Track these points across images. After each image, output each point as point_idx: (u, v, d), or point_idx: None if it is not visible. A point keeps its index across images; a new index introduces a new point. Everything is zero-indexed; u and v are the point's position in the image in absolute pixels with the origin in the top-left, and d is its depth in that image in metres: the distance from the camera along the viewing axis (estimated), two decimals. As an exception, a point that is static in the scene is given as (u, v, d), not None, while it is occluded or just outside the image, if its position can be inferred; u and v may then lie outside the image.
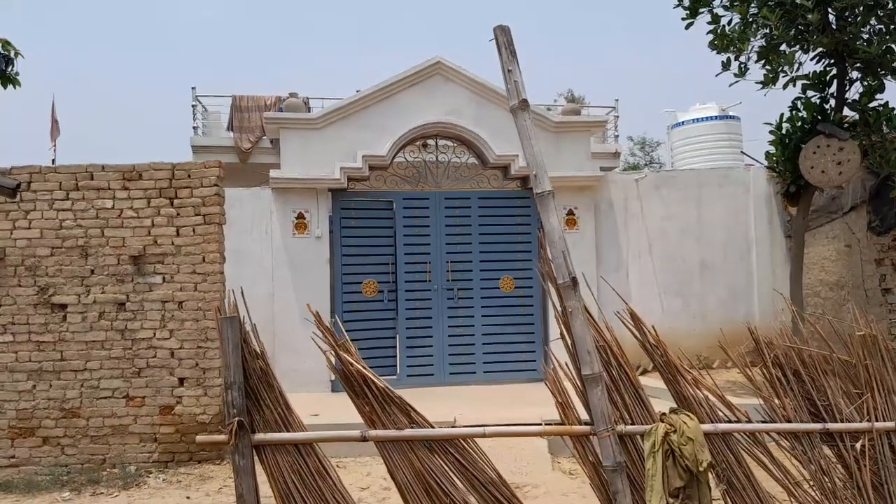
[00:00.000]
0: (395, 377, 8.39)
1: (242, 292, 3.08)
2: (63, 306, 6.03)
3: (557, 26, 51.01)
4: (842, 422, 3.26)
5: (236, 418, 2.90)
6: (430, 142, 9.04)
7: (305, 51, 52.48)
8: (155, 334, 6.05)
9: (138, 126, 43.01)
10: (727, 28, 7.38)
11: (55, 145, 13.98)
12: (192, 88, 13.93)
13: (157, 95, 46.27)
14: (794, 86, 7.43)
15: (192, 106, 13.99)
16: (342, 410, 4.58)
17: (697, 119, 14.99)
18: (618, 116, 15.35)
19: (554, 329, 7.96)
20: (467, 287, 8.74)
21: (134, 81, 46.86)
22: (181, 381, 6.04)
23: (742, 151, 13.38)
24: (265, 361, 3.00)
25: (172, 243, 6.10)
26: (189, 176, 6.17)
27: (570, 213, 8.96)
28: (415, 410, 3.05)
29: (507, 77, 3.15)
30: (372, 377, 3.03)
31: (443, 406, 7.05)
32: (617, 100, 15.45)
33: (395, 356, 8.58)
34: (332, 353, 3.13)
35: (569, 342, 3.08)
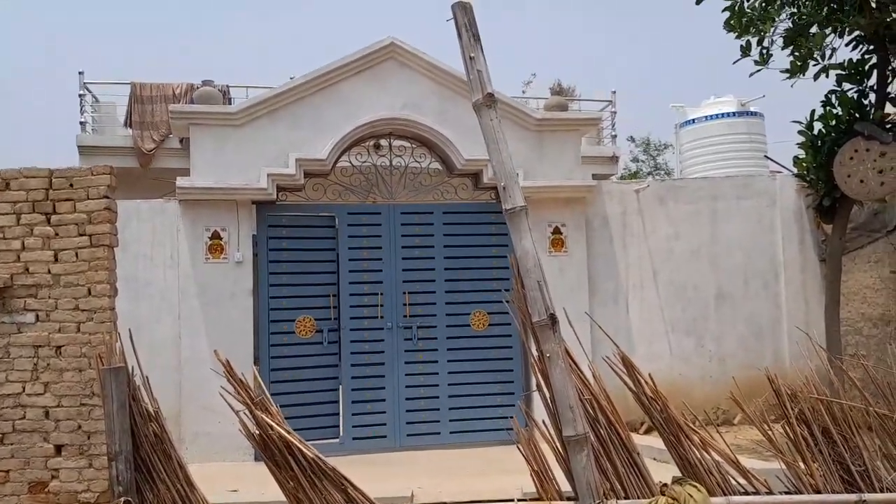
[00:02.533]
0: (337, 440, 8.31)
1: (131, 335, 3.04)
2: None
3: (543, 2, 51.91)
4: (881, 491, 3.32)
5: (122, 498, 2.84)
6: (383, 142, 9.07)
7: (225, 28, 52.45)
8: (24, 389, 5.89)
9: (5, 121, 42.26)
10: (746, 5, 7.59)
11: None
12: (80, 73, 13.76)
13: (33, 80, 45.60)
14: (827, 76, 7.67)
15: (80, 95, 13.79)
16: (271, 484, 4.51)
17: (711, 116, 15.27)
18: (615, 112, 15.59)
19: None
20: (429, 325, 8.73)
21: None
22: (58, 448, 5.88)
23: (766, 156, 13.65)
24: (160, 424, 2.95)
25: (49, 271, 5.97)
26: (71, 185, 6.06)
27: (556, 231, 9.04)
28: (353, 486, 3.03)
29: (469, 65, 3.21)
30: (298, 444, 3.00)
31: (397, 477, 7.00)
32: (614, 92, 15.67)
33: (338, 414, 8.50)
34: (248, 412, 3.09)
35: (547, 395, 3.10)
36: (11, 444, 5.87)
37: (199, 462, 7.57)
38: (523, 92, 20.61)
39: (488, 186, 8.89)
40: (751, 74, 7.70)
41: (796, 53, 7.54)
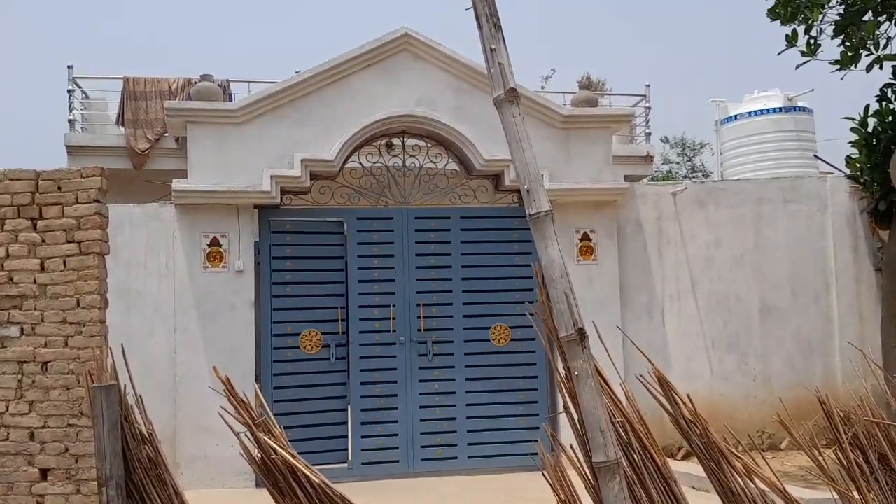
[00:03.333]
0: (345, 465, 8.32)
1: (123, 350, 3.06)
2: None
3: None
4: (945, 524, 3.28)
5: (113, 527, 2.86)
6: (396, 141, 9.10)
7: (228, 19, 52.86)
8: (8, 408, 5.94)
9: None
10: (793, -10, 7.57)
11: None
12: (69, 67, 13.90)
13: (19, 74, 46.07)
14: (881, 68, 7.63)
15: (69, 91, 13.93)
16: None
17: (755, 112, 15.20)
18: (649, 108, 15.56)
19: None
20: (446, 339, 8.73)
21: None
22: (44, 473, 5.92)
23: (815, 155, 13.60)
24: (154, 447, 2.96)
25: (35, 281, 6.03)
26: (59, 188, 6.12)
27: (585, 237, 9.03)
28: (363, 514, 3.03)
29: (490, 58, 3.21)
30: (303, 469, 3.00)
31: (410, 506, 6.99)
32: (648, 86, 15.65)
33: (346, 436, 8.51)
34: (249, 434, 3.11)
35: (575, 417, 3.09)
36: (-6, 468, 5.91)
37: (195, 488, 7.61)
38: (542, 87, 20.63)
39: (510, 189, 8.89)
40: (797, 66, 7.68)
41: (847, 43, 7.51)
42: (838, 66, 7.55)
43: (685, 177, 26.49)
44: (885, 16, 7.47)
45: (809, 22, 7.54)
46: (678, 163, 27.37)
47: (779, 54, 7.75)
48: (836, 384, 9.12)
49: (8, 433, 5.93)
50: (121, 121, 13.80)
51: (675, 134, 28.16)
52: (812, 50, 7.57)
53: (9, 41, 48.62)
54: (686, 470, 6.90)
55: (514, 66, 3.29)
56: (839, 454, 3.33)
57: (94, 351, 5.96)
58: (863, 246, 9.58)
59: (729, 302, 9.42)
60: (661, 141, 27.50)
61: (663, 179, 22.30)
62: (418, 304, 8.71)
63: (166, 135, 13.16)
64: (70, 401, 5.95)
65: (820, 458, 3.42)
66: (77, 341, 6.00)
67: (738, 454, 3.28)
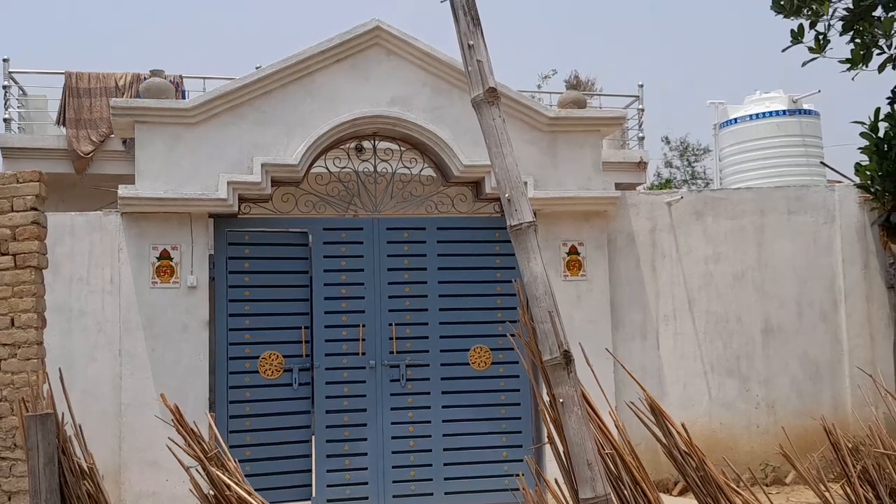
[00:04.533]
0: (308, 503, 8.27)
1: (61, 375, 3.03)
2: None
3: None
4: (962, 565, 3.31)
5: (48, 573, 2.82)
6: (366, 144, 9.11)
7: (182, 6, 52.73)
8: (-68, 439, 5.87)
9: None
10: (798, -19, 7.65)
11: None
12: (4, 60, 13.85)
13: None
14: (894, 68, 7.71)
15: (4, 87, 13.90)
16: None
17: (757, 115, 15.34)
18: (642, 109, 15.68)
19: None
20: (421, 363, 8.72)
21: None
22: (-28, 511, 5.85)
23: (822, 162, 13.70)
24: (95, 483, 2.94)
25: (-37, 298, 5.98)
26: (-8, 195, 6.08)
27: (573, 250, 9.06)
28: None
29: (468, 54, 3.23)
30: (260, 506, 2.99)
31: (380, 546, 6.96)
32: (641, 86, 15.78)
33: (310, 470, 8.46)
34: (201, 468, 3.09)
35: (560, 449, 3.10)
36: (-85, 507, 5.82)
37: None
38: (538, 87, 20.72)
39: (491, 197, 8.91)
40: (804, 63, 7.74)
41: (858, 41, 7.59)
42: (848, 66, 7.62)
43: (684, 181, 26.68)
44: (897, 11, 7.56)
45: (817, 16, 7.60)
46: (678, 167, 27.58)
47: (783, 51, 7.82)
48: (845, 411, 9.20)
49: (-69, 467, 5.85)
50: (62, 120, 13.73)
51: (677, 137, 28.36)
52: (820, 47, 7.63)
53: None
54: (682, 506, 6.93)
55: (507, 66, 3.32)
56: (847, 489, 3.36)
57: (30, 376, 5.90)
58: (874, 261, 9.65)
59: (729, 322, 9.45)
60: (662, 141, 27.74)
61: (662, 186, 22.45)
62: (390, 324, 8.69)
63: (112, 136, 13.08)
64: (3, 431, 5.87)
65: (826, 493, 3.44)
66: (11, 364, 5.93)
67: (738, 489, 3.30)
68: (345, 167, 8.87)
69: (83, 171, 13.29)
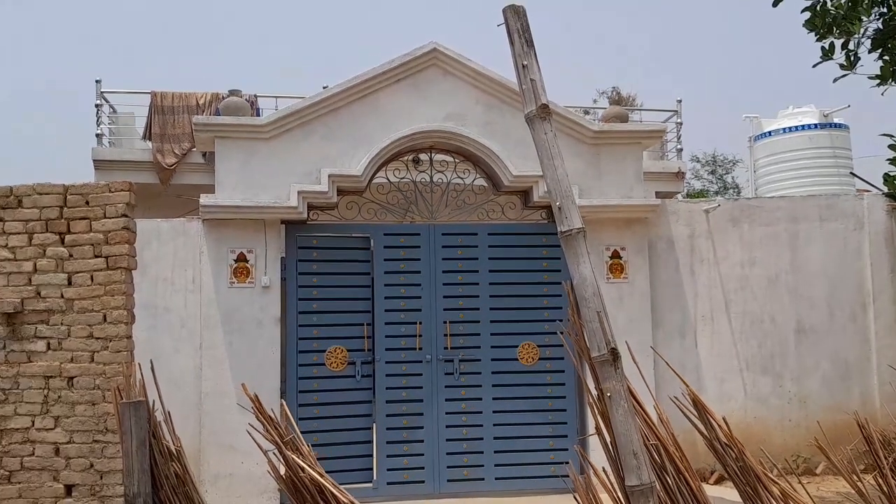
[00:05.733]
0: (370, 485, 8.30)
1: (152, 366, 3.09)
2: None
3: (601, 5, 52.01)
4: None
5: (140, 545, 2.88)
6: (423, 157, 9.14)
7: (255, 35, 53.41)
8: (34, 423, 6.00)
9: (19, 134, 43.43)
10: (830, 4, 7.52)
11: None
12: (97, 82, 14.10)
13: (47, 90, 46.84)
14: (923, 83, 7.55)
15: (97, 105, 14.12)
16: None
17: (790, 128, 15.14)
18: (681, 123, 15.52)
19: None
20: (473, 358, 8.72)
21: (11, 71, 47.50)
22: (69, 489, 5.97)
23: (852, 172, 13.48)
24: (182, 465, 2.99)
25: (62, 296, 6.10)
26: (87, 203, 6.20)
27: (616, 255, 9.00)
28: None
29: (522, 74, 3.23)
30: (331, 488, 3.01)
31: (436, 527, 6.97)
32: (680, 101, 15.62)
33: (371, 455, 8.50)
34: (277, 452, 3.12)
35: (607, 439, 3.07)
36: (19, 483, 5.97)
37: (220, 507, 7.64)
38: (594, 101, 20.59)
39: (539, 205, 8.89)
40: (835, 80, 7.58)
41: (887, 58, 7.43)
42: (878, 81, 7.47)
43: (716, 193, 26.34)
44: (926, 30, 7.39)
45: (848, 35, 7.46)
46: (710, 180, 27.28)
47: (814, 66, 7.66)
48: (874, 407, 9.07)
49: (34, 448, 5.98)
50: (148, 135, 13.93)
51: (706, 151, 28.10)
52: (851, 63, 7.49)
53: (38, 55, 49.48)
54: (720, 495, 6.83)
55: (545, 81, 3.31)
56: (879, 479, 3.29)
57: (121, 366, 6.01)
58: (902, 266, 9.50)
59: (763, 322, 9.35)
60: (692, 159, 27.43)
61: (697, 196, 22.21)
62: (445, 322, 8.71)
63: (193, 150, 13.27)
64: (95, 416, 5.99)
65: (859, 483, 3.37)
66: (103, 356, 6.05)
67: (774, 479, 3.24)
68: (404, 177, 8.91)
69: (167, 182, 13.48)
